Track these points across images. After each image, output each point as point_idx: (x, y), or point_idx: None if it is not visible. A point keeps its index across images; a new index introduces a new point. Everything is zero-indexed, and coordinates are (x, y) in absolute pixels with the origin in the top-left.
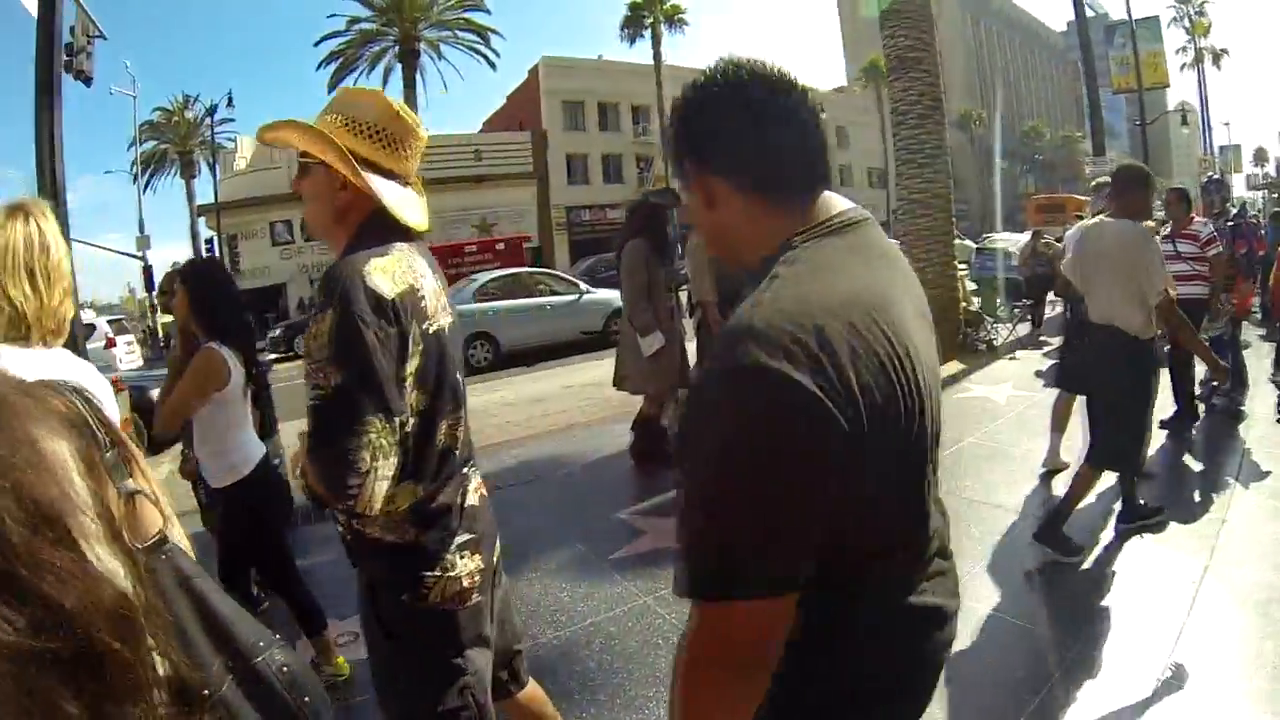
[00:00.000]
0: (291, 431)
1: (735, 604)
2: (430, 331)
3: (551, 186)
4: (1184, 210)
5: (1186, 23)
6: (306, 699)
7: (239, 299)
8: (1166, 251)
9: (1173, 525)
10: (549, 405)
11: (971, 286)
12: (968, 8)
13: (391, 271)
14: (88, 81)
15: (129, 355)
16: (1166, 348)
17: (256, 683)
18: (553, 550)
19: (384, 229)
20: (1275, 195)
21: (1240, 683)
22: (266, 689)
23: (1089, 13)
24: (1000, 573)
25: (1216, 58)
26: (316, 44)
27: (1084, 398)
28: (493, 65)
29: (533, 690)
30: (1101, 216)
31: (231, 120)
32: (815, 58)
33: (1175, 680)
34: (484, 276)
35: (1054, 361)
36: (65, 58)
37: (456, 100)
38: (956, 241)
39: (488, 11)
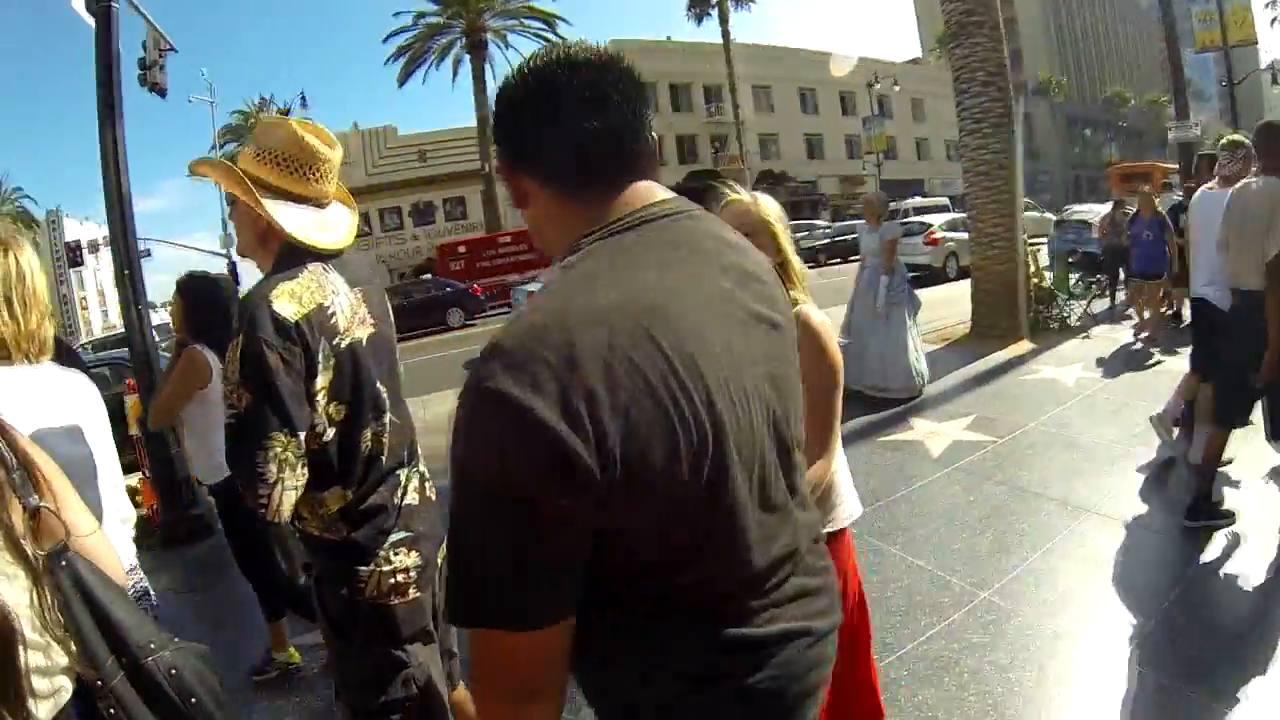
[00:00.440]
0: None
1: (495, 633)
2: (343, 346)
3: None
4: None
5: None
6: (194, 699)
7: (229, 310)
8: None
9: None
10: None
11: (1044, 261)
12: None
13: (299, 294)
14: (162, 94)
15: None
16: None
17: (145, 680)
18: None
19: (299, 251)
20: None
21: None
22: (155, 686)
23: None
24: (1040, 579)
25: None
26: (385, 40)
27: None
28: None
29: (462, 692)
30: (1251, 178)
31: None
32: (889, 29)
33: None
34: (534, 286)
35: (1128, 341)
36: (140, 71)
37: None
38: (1036, 215)
39: None
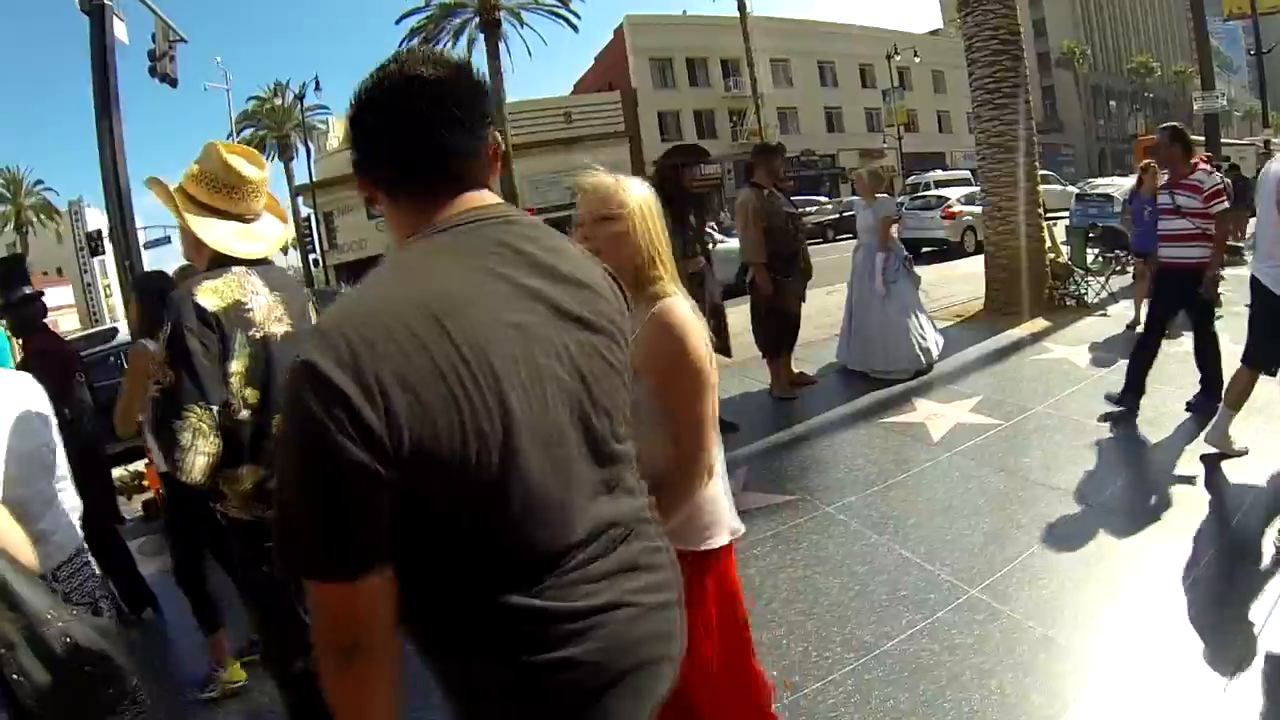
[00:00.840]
0: None
1: (319, 586)
2: (257, 337)
3: (644, 145)
4: (1182, 154)
5: None
6: (88, 667)
7: None
8: (1164, 204)
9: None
10: None
11: (1061, 237)
12: None
13: (220, 290)
14: (173, 84)
15: None
16: None
17: (42, 646)
18: None
19: (225, 257)
20: None
21: None
22: (50, 652)
23: None
24: (1033, 576)
25: None
26: (398, 22)
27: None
28: (574, 28)
29: None
30: None
31: (324, 106)
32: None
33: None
34: None
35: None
36: (149, 63)
37: (549, 65)
38: (1058, 189)
39: None
